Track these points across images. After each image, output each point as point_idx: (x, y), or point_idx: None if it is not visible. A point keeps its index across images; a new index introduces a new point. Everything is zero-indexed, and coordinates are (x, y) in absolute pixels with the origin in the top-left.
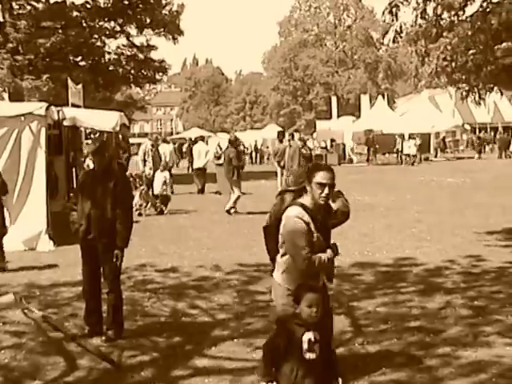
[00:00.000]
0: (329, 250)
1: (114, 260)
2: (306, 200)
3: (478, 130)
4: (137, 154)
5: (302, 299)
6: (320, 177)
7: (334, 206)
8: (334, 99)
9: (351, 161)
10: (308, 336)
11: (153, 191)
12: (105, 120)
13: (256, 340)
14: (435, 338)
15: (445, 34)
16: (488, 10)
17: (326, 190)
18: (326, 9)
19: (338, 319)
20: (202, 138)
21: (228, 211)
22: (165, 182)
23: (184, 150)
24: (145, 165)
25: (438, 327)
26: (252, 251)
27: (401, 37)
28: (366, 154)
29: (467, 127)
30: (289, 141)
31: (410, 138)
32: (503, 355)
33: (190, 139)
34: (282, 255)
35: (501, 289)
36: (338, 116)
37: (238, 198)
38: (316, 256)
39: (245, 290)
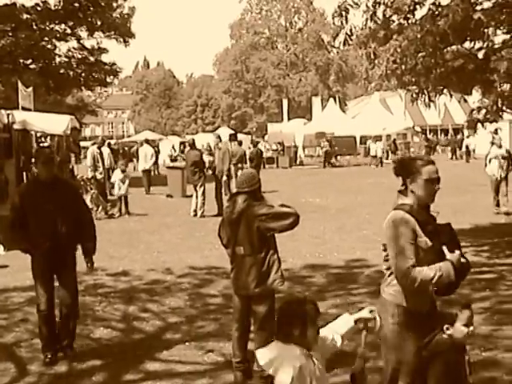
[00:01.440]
0: (444, 263)
1: (89, 269)
2: (409, 200)
3: (428, 132)
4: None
5: (456, 318)
6: (430, 171)
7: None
8: (285, 102)
9: (302, 163)
10: (466, 358)
11: (106, 195)
12: (55, 123)
13: (207, 343)
14: None
15: (395, 36)
16: (436, 12)
17: (438, 186)
18: (278, 12)
19: None
20: (147, 141)
21: (202, 216)
22: (123, 182)
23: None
24: (95, 169)
25: None
26: (203, 254)
27: (351, 39)
28: (317, 156)
29: (418, 129)
30: (217, 144)
31: (377, 140)
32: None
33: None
34: (388, 268)
35: None
36: (290, 118)
37: (204, 199)
38: (422, 269)
39: (196, 293)
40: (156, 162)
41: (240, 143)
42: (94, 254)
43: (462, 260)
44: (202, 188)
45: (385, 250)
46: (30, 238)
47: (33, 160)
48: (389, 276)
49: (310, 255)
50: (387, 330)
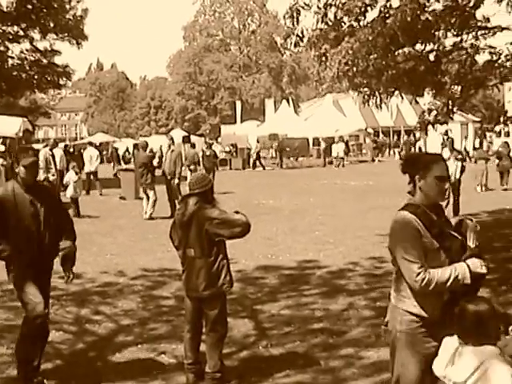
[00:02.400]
0: (459, 264)
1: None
2: (418, 199)
3: (381, 134)
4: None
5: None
6: (440, 169)
7: (238, 216)
8: (238, 104)
9: (255, 165)
10: None
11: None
12: (7, 125)
13: (160, 345)
14: (338, 340)
15: (346, 38)
16: (387, 15)
17: (447, 185)
18: (231, 14)
19: (242, 323)
20: (91, 143)
21: (150, 217)
22: (76, 183)
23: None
24: (48, 171)
25: (341, 328)
26: (156, 256)
27: (302, 41)
28: (270, 157)
29: (370, 131)
30: (169, 146)
31: (339, 140)
32: None
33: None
34: (396, 272)
35: None
36: (243, 120)
37: (155, 201)
38: (435, 271)
39: (149, 295)
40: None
41: (193, 145)
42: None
43: (481, 269)
44: (152, 190)
45: (392, 253)
46: (12, 247)
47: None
48: (396, 280)
49: (263, 256)
50: (394, 338)
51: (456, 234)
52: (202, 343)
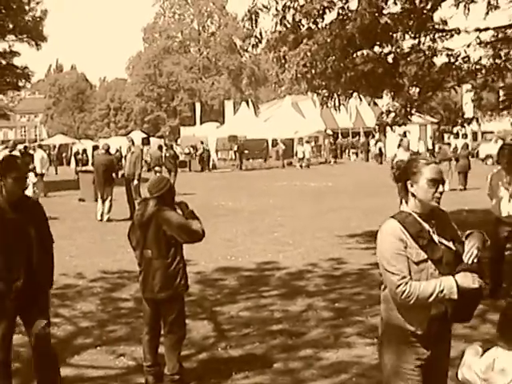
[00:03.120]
0: (446, 278)
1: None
2: (410, 206)
3: (340, 135)
4: None
5: None
6: (431, 171)
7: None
8: (198, 105)
9: (215, 167)
10: None
11: None
12: None
13: (119, 347)
14: (297, 341)
15: (305, 40)
16: (345, 17)
17: (441, 188)
18: (190, 15)
19: (201, 324)
20: (40, 146)
21: (108, 219)
22: (36, 185)
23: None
24: None
25: (300, 330)
26: (115, 258)
27: (261, 43)
28: (230, 159)
29: (330, 132)
30: (129, 147)
31: (306, 141)
32: (363, 355)
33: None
34: (383, 284)
35: (361, 290)
36: (202, 122)
37: (111, 204)
38: (418, 284)
39: (108, 298)
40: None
41: (160, 147)
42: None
43: (473, 284)
44: (110, 192)
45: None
46: None
47: None
48: (382, 291)
49: (222, 258)
50: (381, 350)
51: (450, 245)
52: (160, 345)
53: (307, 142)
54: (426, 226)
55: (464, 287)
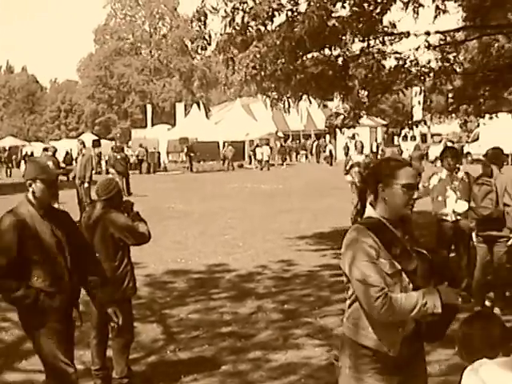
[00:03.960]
0: (428, 290)
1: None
2: (379, 212)
3: (291, 138)
4: None
5: None
6: (406, 175)
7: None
8: (149, 107)
9: (166, 169)
10: None
11: None
12: None
13: None
14: (246, 343)
15: (254, 42)
16: (294, 19)
17: (415, 194)
18: (142, 17)
19: (150, 327)
20: None
21: None
22: None
23: None
24: None
25: (249, 332)
26: None
27: (209, 45)
28: (181, 161)
29: (281, 135)
30: (81, 150)
31: (265, 144)
32: (312, 356)
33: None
34: (349, 297)
35: (310, 292)
36: (153, 124)
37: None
38: (399, 297)
39: None
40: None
41: (122, 149)
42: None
43: (455, 300)
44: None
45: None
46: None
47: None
48: (350, 306)
49: (172, 260)
50: (341, 374)
51: (425, 252)
52: (109, 348)
53: (266, 144)
54: (398, 233)
55: (447, 302)
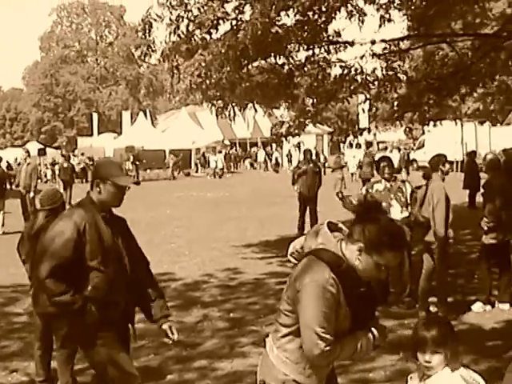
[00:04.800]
0: (366, 335)
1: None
2: (348, 253)
3: (238, 146)
4: None
5: None
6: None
7: None
8: (95, 116)
9: None
10: None
11: None
12: None
13: (12, 363)
14: (192, 352)
15: (199, 51)
16: (238, 28)
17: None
18: (88, 25)
19: None
20: None
21: (3, 233)
22: None
23: None
24: None
25: (195, 340)
26: (9, 271)
27: (154, 52)
28: (127, 170)
29: (227, 143)
30: (25, 159)
31: (219, 151)
32: (258, 364)
33: None
34: (285, 325)
35: (256, 300)
36: (100, 133)
37: (3, 217)
38: (338, 346)
39: (1, 312)
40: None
41: (69, 158)
42: None
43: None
44: (2, 205)
45: (291, 302)
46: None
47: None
48: (285, 336)
49: None
50: None
51: (369, 292)
52: (53, 360)
53: (220, 151)
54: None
55: (375, 345)
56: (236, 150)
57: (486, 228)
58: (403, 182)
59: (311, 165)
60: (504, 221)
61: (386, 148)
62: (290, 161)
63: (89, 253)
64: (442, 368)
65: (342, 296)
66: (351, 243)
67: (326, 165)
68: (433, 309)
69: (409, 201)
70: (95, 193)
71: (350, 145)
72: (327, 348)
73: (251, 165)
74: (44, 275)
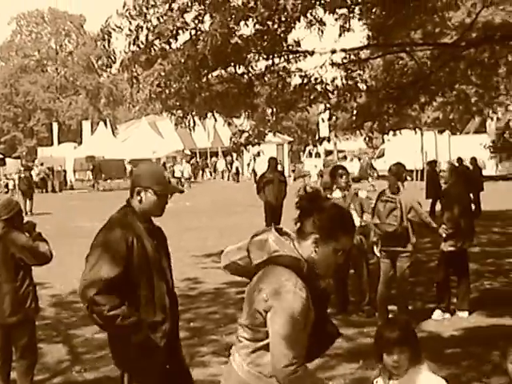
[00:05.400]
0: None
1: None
2: (305, 254)
3: (198, 155)
4: None
5: None
6: (348, 241)
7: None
8: (55, 125)
9: (72, 187)
10: None
11: None
12: None
13: None
14: None
15: (159, 60)
16: (198, 38)
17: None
18: (48, 34)
19: (56, 348)
20: None
21: None
22: None
23: None
24: None
25: None
26: None
27: (114, 63)
28: (87, 180)
29: (188, 152)
30: None
31: (186, 161)
32: (218, 374)
33: None
34: (255, 340)
35: (217, 309)
36: (60, 142)
37: None
38: (311, 370)
39: None
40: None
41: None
42: None
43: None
44: None
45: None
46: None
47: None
48: (255, 350)
49: (78, 280)
50: None
51: (325, 293)
52: (12, 370)
53: (187, 161)
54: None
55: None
56: (196, 159)
57: (444, 235)
58: (356, 193)
59: (277, 173)
60: (462, 228)
61: (345, 157)
62: (253, 171)
63: (135, 267)
64: (408, 365)
65: (310, 299)
66: (304, 240)
67: (287, 174)
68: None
69: (366, 209)
70: (136, 201)
71: (310, 154)
72: (294, 370)
73: (210, 174)
74: (93, 292)
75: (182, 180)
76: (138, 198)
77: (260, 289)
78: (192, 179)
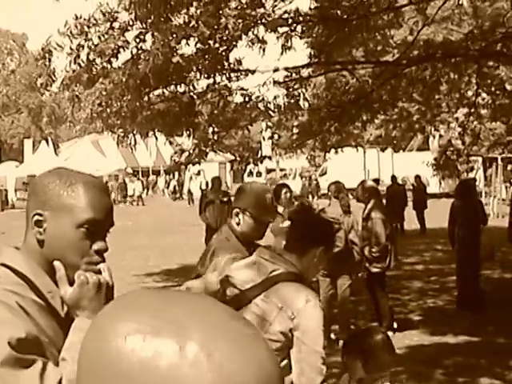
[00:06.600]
0: None
1: None
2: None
3: (141, 174)
4: None
5: None
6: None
7: None
8: None
9: (14, 206)
10: None
11: None
12: None
13: None
14: None
15: (100, 79)
16: (139, 57)
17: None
18: None
19: None
20: None
21: None
22: None
23: None
24: None
25: None
26: None
27: (54, 82)
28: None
29: (130, 171)
30: None
31: (138, 179)
32: None
33: None
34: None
35: None
36: (1, 161)
37: None
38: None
39: None
40: None
41: None
42: None
43: None
44: None
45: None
46: None
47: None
48: None
49: None
50: None
51: None
52: None
53: (138, 179)
54: None
55: None
56: (138, 178)
57: (370, 257)
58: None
59: (220, 194)
60: (389, 251)
61: (285, 175)
62: (189, 191)
63: None
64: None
65: None
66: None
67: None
68: (334, 336)
69: None
70: (234, 222)
71: (250, 173)
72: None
73: (152, 192)
74: None
75: (134, 197)
76: (237, 219)
77: (280, 307)
78: (143, 196)
